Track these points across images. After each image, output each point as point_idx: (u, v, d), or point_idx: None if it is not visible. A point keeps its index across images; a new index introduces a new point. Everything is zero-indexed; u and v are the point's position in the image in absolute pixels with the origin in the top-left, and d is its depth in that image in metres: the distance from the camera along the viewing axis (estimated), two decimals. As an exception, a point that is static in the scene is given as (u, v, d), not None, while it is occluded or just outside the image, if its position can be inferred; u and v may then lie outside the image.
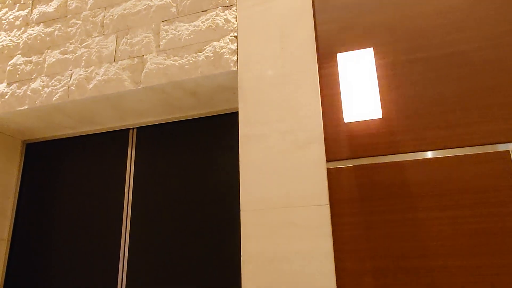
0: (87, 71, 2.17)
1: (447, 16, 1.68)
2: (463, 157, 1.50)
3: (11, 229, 2.54)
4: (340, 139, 1.67)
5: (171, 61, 2.01)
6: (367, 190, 1.58)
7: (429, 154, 1.55)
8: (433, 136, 1.56)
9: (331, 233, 1.55)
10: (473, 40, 1.61)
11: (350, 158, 1.64)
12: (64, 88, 2.19)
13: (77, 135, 2.57)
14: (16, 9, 2.53)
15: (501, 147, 1.47)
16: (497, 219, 1.41)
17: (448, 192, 1.49)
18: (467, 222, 1.44)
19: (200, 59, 1.96)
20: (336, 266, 1.53)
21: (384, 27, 1.75)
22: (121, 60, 2.12)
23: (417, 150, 1.57)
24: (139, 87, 2.03)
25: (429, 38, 1.68)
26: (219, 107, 2.26)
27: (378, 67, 1.72)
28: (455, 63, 1.61)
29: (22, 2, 2.52)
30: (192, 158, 2.26)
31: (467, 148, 1.51)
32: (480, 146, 1.50)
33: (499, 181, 1.44)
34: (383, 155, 1.60)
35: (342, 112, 1.70)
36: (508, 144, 1.47)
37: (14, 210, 2.57)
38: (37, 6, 2.46)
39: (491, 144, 1.49)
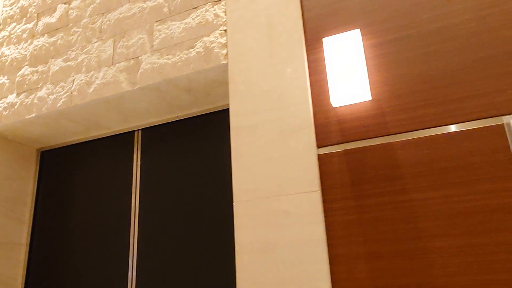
0: (87, 76, 2.24)
1: (434, -9, 1.62)
2: (455, 133, 1.44)
3: (29, 234, 2.63)
4: (330, 125, 1.65)
5: (164, 60, 2.03)
6: (358, 174, 1.54)
7: (420, 133, 1.50)
8: (424, 114, 1.51)
9: (323, 219, 1.53)
10: (460, 13, 1.55)
11: (340, 143, 1.61)
12: (67, 94, 2.26)
13: (86, 140, 2.64)
14: (23, 22, 2.64)
15: (495, 121, 1.40)
16: (493, 195, 1.35)
17: (441, 171, 1.43)
18: (462, 200, 1.38)
19: (192, 55, 1.98)
20: (329, 252, 1.50)
21: (369, 8, 1.72)
22: (118, 62, 2.17)
23: (408, 130, 1.52)
24: (135, 88, 2.07)
25: (415, 14, 1.63)
26: (217, 103, 2.27)
27: (365, 48, 1.68)
28: (443, 38, 1.56)
29: (28, 16, 2.63)
30: (195, 156, 2.28)
31: (459, 124, 1.45)
32: (473, 122, 1.43)
33: (494, 157, 1.38)
34: (373, 137, 1.56)
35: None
36: (502, 117, 1.40)
37: (32, 216, 2.66)
38: (42, 18, 2.56)
39: (484, 118, 1.42)
